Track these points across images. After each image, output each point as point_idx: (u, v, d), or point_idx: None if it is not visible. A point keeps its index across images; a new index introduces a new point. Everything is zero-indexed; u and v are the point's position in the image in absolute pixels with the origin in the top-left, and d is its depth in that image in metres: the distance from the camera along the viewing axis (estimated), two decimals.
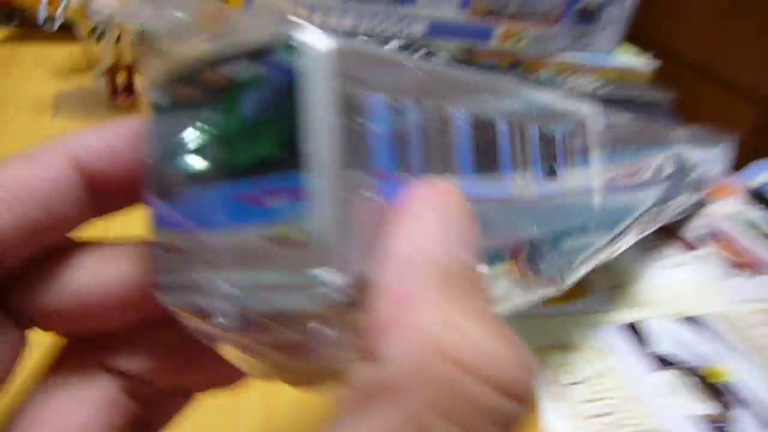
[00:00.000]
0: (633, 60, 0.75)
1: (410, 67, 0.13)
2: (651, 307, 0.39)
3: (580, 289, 0.40)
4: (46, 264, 0.15)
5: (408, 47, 0.64)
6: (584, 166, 0.21)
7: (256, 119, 0.12)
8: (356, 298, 0.11)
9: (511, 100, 0.16)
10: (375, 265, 0.11)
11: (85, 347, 0.16)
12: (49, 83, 0.56)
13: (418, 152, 0.13)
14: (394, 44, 0.66)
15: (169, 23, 0.14)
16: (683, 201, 0.42)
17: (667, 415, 0.31)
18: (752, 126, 1.85)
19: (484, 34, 0.67)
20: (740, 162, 1.33)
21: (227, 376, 0.17)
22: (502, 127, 0.16)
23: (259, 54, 0.12)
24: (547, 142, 0.18)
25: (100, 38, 0.48)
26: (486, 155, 0.15)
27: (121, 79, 0.51)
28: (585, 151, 0.21)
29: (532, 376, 0.11)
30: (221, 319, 0.13)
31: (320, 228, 0.11)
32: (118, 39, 0.48)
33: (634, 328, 0.37)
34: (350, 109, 0.11)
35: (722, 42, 2.03)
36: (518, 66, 0.71)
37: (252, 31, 0.12)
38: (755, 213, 0.54)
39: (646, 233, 0.34)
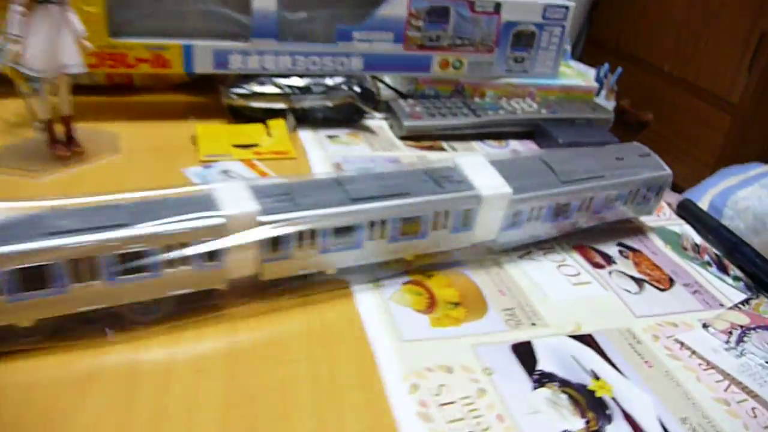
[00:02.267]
0: (575, 80, 0.76)
1: None
2: (545, 327, 0.40)
3: (479, 310, 0.41)
4: None
5: (348, 81, 0.66)
6: None
7: None
8: None
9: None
10: None
11: None
12: None
13: None
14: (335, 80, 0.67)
15: None
16: (621, 211, 0.46)
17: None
18: (727, 131, 1.85)
19: (423, 64, 0.69)
20: (718, 166, 1.33)
21: None
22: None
23: None
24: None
25: (35, 94, 0.50)
26: None
27: (59, 130, 0.53)
28: None
29: None
30: None
31: None
32: (55, 93, 0.51)
33: (524, 348, 0.38)
34: None
35: (695, 54, 2.05)
36: (462, 91, 0.73)
37: None
38: (677, 226, 0.55)
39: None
